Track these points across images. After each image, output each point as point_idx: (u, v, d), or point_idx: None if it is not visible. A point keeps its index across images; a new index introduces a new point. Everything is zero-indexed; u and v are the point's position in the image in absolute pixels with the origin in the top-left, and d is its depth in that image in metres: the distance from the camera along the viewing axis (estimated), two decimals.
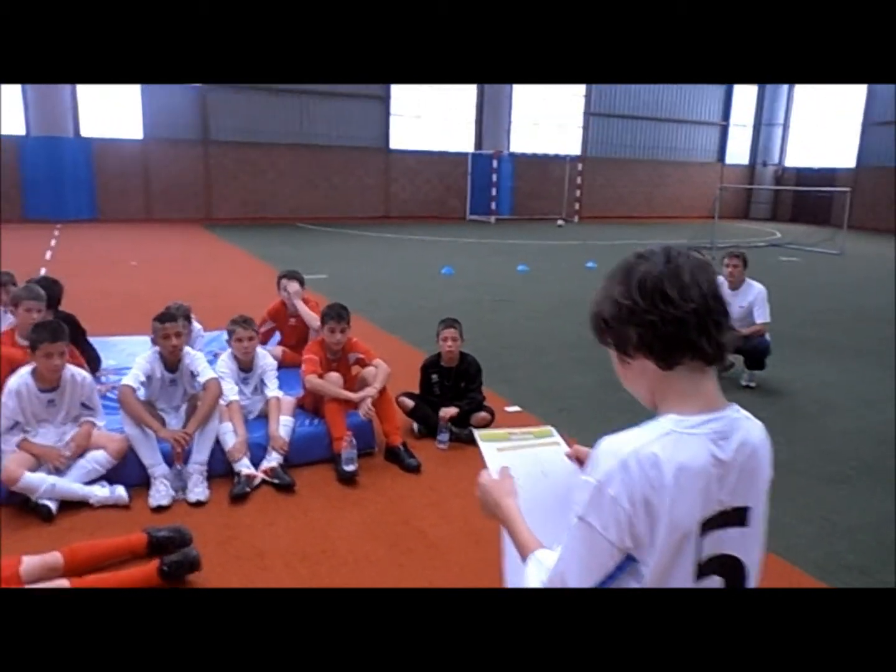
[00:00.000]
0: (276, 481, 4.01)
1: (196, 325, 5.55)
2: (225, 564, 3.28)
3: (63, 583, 2.87)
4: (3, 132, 20.11)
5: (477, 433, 1.58)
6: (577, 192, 26.78)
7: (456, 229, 21.92)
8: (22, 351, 4.05)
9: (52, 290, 5.09)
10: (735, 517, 1.20)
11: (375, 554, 3.44)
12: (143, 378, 4.02)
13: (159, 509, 3.71)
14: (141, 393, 4.06)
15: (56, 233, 17.36)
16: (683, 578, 1.17)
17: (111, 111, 21.51)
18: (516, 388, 6.02)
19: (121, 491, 3.75)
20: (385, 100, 25.26)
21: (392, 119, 25.68)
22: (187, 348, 4.22)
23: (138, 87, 21.42)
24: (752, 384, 6.20)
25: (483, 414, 4.90)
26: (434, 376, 5.01)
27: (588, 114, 29.06)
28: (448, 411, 4.74)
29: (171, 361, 4.14)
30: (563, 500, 1.25)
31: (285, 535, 3.57)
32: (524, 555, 1.32)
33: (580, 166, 26.74)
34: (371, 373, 4.62)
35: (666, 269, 1.17)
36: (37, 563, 2.95)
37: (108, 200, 21.47)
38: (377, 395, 4.45)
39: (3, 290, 5.20)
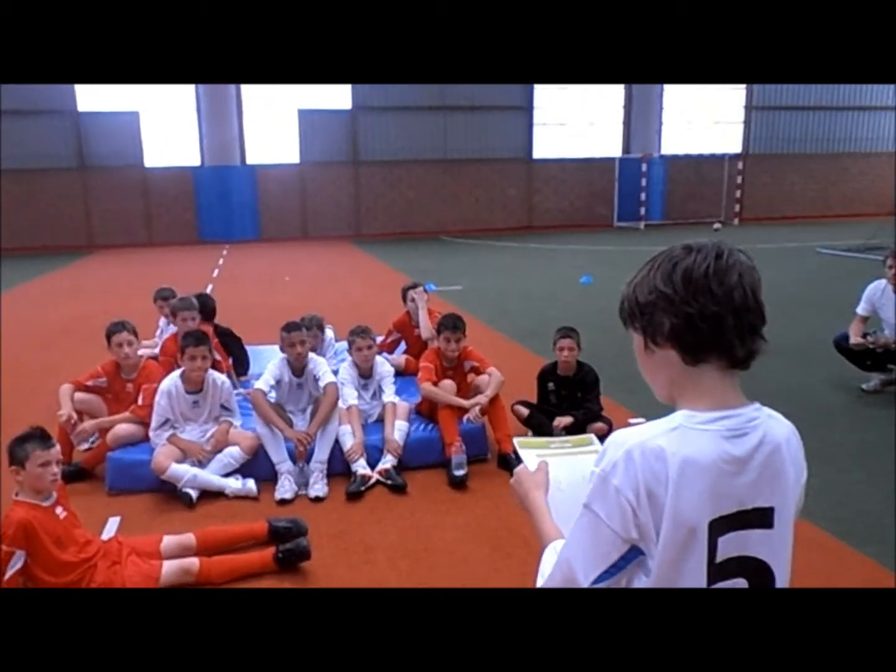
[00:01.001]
0: (389, 482, 4.24)
1: (329, 334, 5.97)
2: (335, 556, 3.54)
3: (194, 561, 3.26)
4: (182, 163, 22.58)
5: (516, 440, 1.61)
6: (738, 193, 25.17)
7: (602, 237, 21.48)
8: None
9: (207, 304, 5.73)
10: (757, 518, 1.17)
11: (475, 556, 3.54)
12: (272, 382, 4.43)
13: (283, 502, 4.07)
14: (272, 396, 4.47)
15: (224, 252, 19.25)
16: (695, 577, 1.15)
17: (272, 139, 23.47)
18: (641, 398, 5.83)
19: (251, 484, 4.16)
20: (528, 109, 25.37)
21: (535, 128, 25.73)
22: (311, 354, 4.58)
23: (295, 115, 23.19)
24: None
25: (600, 424, 4.81)
26: (550, 385, 5.01)
27: (749, 108, 27.16)
28: (563, 420, 4.73)
29: (298, 367, 4.52)
30: None
31: (392, 532, 3.78)
32: (544, 543, 1.34)
33: (740, 164, 25.10)
34: (485, 381, 4.75)
35: (715, 264, 1.15)
36: (174, 542, 3.38)
37: (270, 221, 23.42)
38: (488, 403, 4.56)
39: (166, 303, 5.94)
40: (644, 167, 23.94)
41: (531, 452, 1.54)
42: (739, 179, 24.99)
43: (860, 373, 5.85)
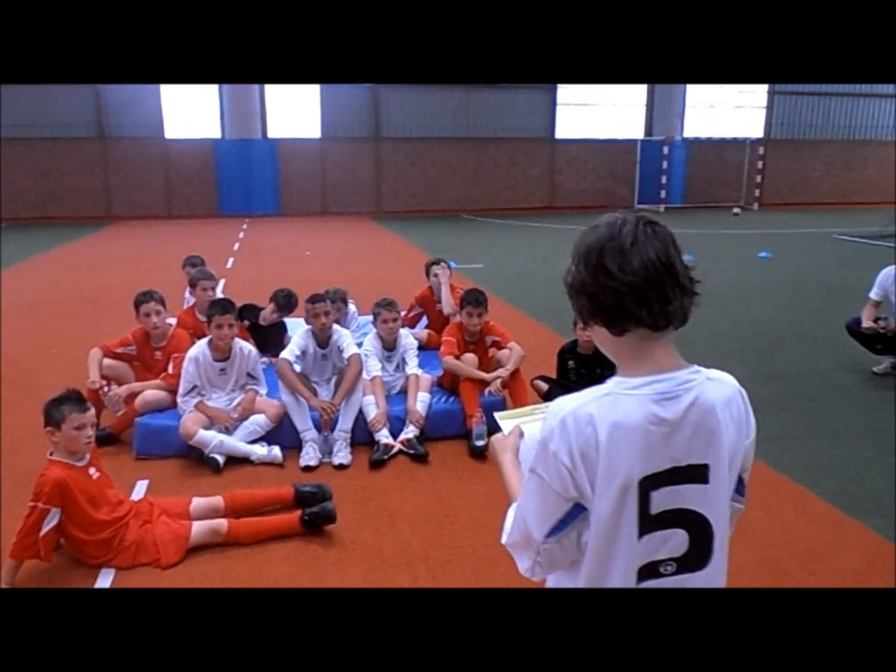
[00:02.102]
0: (411, 451, 4.32)
1: (352, 308, 6.02)
2: (359, 520, 3.63)
3: (222, 522, 3.35)
4: (203, 136, 22.60)
5: (496, 414, 1.65)
6: (758, 178, 24.90)
7: None
8: (201, 324, 4.68)
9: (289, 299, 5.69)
10: (693, 474, 1.24)
11: (495, 522, 3.52)
12: (298, 353, 4.50)
13: (307, 469, 4.16)
14: (297, 367, 4.54)
15: (244, 226, 19.30)
16: (629, 528, 1.23)
17: (293, 113, 23.38)
18: None
19: (276, 451, 4.25)
20: (551, 89, 25.13)
21: (558, 108, 25.51)
22: (336, 326, 4.64)
23: (317, 89, 23.13)
24: None
25: None
26: (570, 362, 5.04)
27: (772, 92, 26.81)
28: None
29: (322, 338, 4.59)
30: None
31: (414, 499, 3.87)
32: (510, 501, 1.42)
33: (762, 149, 24.81)
34: (506, 355, 4.81)
35: (609, 240, 1.20)
36: (203, 503, 3.47)
37: (290, 196, 23.41)
38: (509, 376, 4.62)
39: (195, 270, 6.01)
40: (666, 150, 23.70)
41: (510, 423, 1.58)
42: (760, 164, 24.73)
43: (871, 356, 5.92)
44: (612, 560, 1.27)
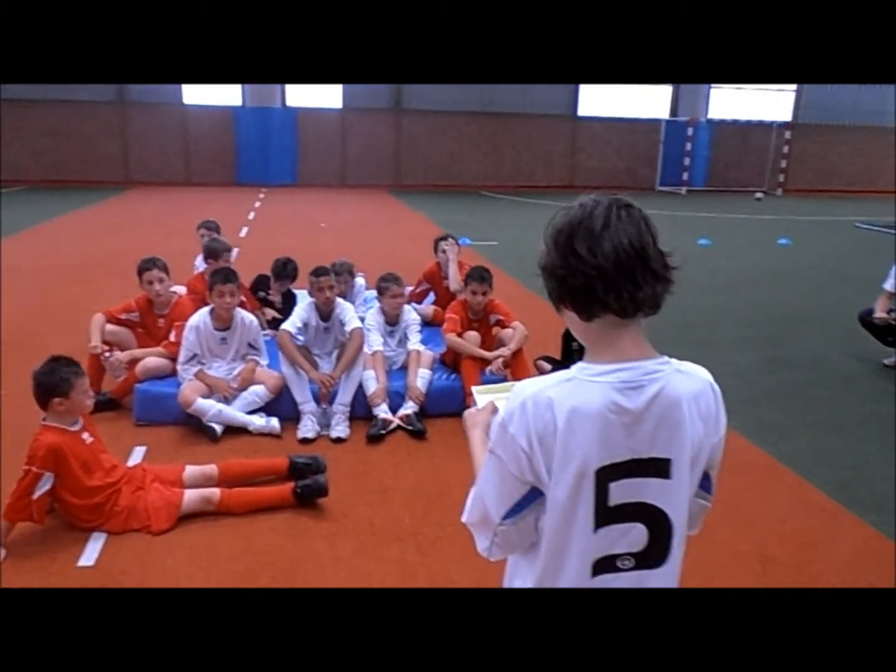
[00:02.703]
0: (409, 427, 4.31)
1: (359, 281, 5.98)
2: (352, 494, 3.63)
3: (215, 491, 3.36)
4: (222, 102, 22.49)
5: (474, 388, 1.63)
6: (783, 163, 24.38)
7: (643, 200, 19.52)
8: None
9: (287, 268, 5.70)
10: (654, 468, 1.21)
11: None
12: (300, 325, 4.48)
13: (305, 441, 4.16)
14: (300, 339, 4.53)
15: (261, 195, 19.26)
16: (585, 518, 1.21)
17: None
18: None
19: (275, 422, 4.25)
20: None
21: (581, 86, 25.06)
22: (339, 300, 4.62)
23: None
24: None
25: None
26: (574, 344, 5.01)
27: None
28: None
29: (325, 311, 4.56)
30: None
31: (410, 475, 3.87)
32: (475, 480, 1.39)
33: (788, 134, 24.28)
34: (509, 334, 4.77)
35: (580, 222, 1.17)
36: (196, 471, 3.49)
37: (308, 166, 23.30)
38: (511, 356, 4.59)
39: (209, 233, 6.02)
40: (690, 131, 23.30)
41: (485, 397, 1.55)
42: (786, 149, 24.16)
43: (882, 347, 5.85)
44: (567, 549, 1.25)
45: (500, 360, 4.56)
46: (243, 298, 4.96)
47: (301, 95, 23.19)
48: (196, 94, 22.65)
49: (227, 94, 22.71)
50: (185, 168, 22.82)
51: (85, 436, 3.15)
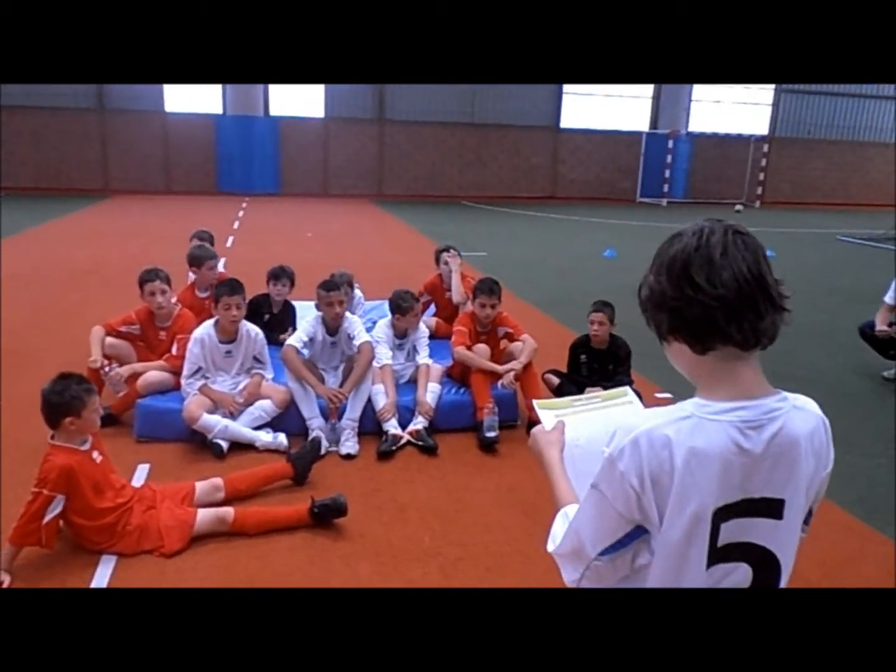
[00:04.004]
0: (420, 443, 4.22)
1: (357, 293, 5.89)
2: (367, 513, 3.52)
3: (229, 511, 3.24)
4: (203, 110, 22.26)
5: (535, 403, 1.57)
6: (761, 176, 24.86)
7: (624, 211, 21.30)
8: (200, 301, 4.55)
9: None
10: (765, 508, 1.16)
11: (507, 519, 3.53)
12: (305, 339, 4.37)
13: None
14: (305, 353, 4.43)
15: (244, 204, 19.07)
16: (697, 561, 1.17)
17: (297, 91, 23.05)
18: (669, 374, 5.76)
19: (282, 438, 4.14)
20: None
21: (564, 97, 25.26)
22: (346, 313, 4.52)
23: None
24: None
25: None
26: (582, 357, 4.96)
27: (779, 90, 26.72)
28: (593, 391, 4.69)
29: (333, 326, 4.46)
30: None
31: (423, 492, 3.77)
32: (557, 506, 1.36)
33: (766, 147, 24.75)
34: (518, 347, 4.70)
35: (696, 250, 1.12)
36: (206, 486, 3.38)
37: (290, 175, 23.17)
38: (521, 369, 4.52)
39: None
40: (670, 144, 23.60)
41: (549, 413, 1.52)
42: (764, 162, 24.68)
43: (880, 360, 5.87)
44: (676, 587, 1.19)
45: (512, 373, 4.49)
46: None
47: (283, 104, 23.06)
48: (177, 102, 22.41)
49: (209, 103, 22.51)
50: (166, 176, 22.54)
51: (95, 455, 3.02)
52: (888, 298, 5.79)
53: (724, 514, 1.14)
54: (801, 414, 1.18)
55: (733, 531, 1.16)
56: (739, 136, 25.54)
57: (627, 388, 1.59)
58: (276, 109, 23.05)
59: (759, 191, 25.08)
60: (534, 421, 4.49)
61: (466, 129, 24.52)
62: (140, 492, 3.21)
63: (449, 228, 15.08)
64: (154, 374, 4.28)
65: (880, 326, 5.63)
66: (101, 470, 3.02)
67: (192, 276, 6.06)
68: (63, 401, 2.85)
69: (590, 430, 1.46)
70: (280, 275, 5.46)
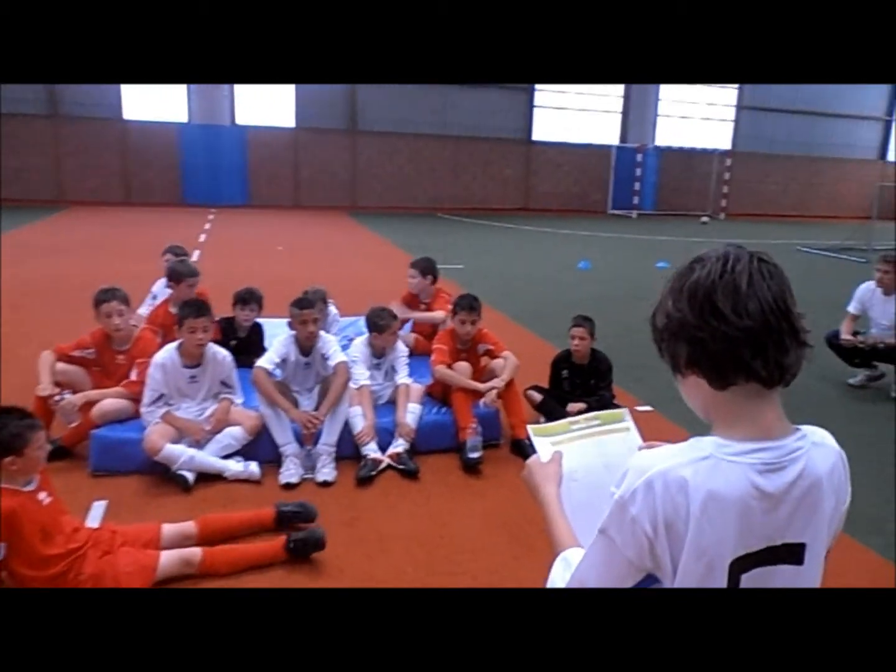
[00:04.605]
0: (401, 467, 4.01)
1: (332, 310, 5.65)
2: (347, 545, 3.29)
3: (196, 551, 2.98)
4: (168, 119, 21.72)
5: (530, 428, 1.46)
6: (725, 189, 25.43)
7: (596, 223, 21.43)
8: (174, 319, 4.29)
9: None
10: (787, 554, 1.09)
11: (494, 546, 3.36)
12: (277, 360, 4.12)
13: (288, 486, 3.80)
14: (277, 374, 4.18)
15: (211, 216, 18.65)
16: None
17: (265, 99, 22.66)
18: (648, 387, 5.71)
19: (254, 467, 3.87)
20: (529, 91, 25.02)
21: (535, 111, 25.40)
22: (321, 332, 4.29)
23: None
24: None
25: None
26: (564, 372, 4.85)
27: (740, 107, 27.55)
28: (576, 407, 4.58)
29: (306, 346, 4.22)
30: None
31: (406, 519, 3.56)
32: (555, 549, 1.27)
33: (729, 161, 25.33)
34: (500, 364, 4.54)
35: (721, 277, 1.05)
36: (173, 530, 3.09)
37: (259, 187, 22.77)
38: (504, 387, 4.35)
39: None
40: (639, 157, 23.90)
41: (545, 441, 1.42)
42: (727, 176, 25.29)
43: (845, 367, 6.03)
44: None
45: (494, 392, 4.31)
46: None
47: (251, 113, 22.68)
48: (137, 110, 21.79)
49: (172, 110, 21.99)
50: (125, 187, 21.89)
51: (42, 496, 2.71)
52: (851, 308, 6.00)
53: (745, 563, 1.06)
54: (821, 451, 1.11)
55: (754, 581, 1.08)
56: (704, 150, 26.07)
57: (625, 411, 1.49)
58: (243, 118, 22.63)
59: (724, 203, 25.52)
60: (518, 440, 4.34)
61: (439, 141, 24.43)
62: (96, 534, 2.91)
63: (424, 241, 14.90)
64: (110, 401, 3.97)
65: (845, 335, 5.82)
66: (48, 512, 2.71)
67: (154, 293, 5.81)
68: (2, 439, 2.55)
69: (587, 462, 1.40)
70: (248, 299, 5.18)
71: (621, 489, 1.06)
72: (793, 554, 1.09)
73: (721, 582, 1.06)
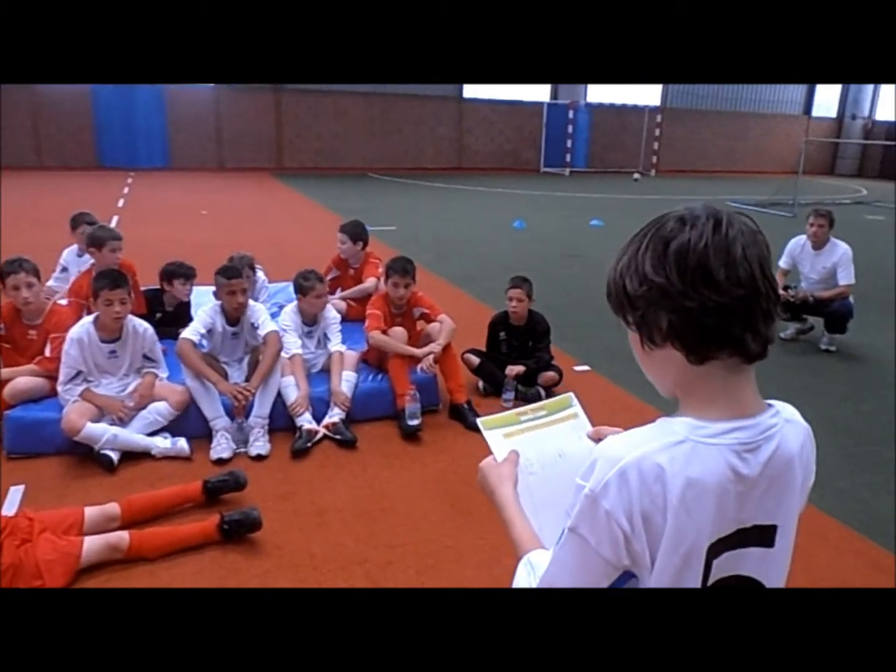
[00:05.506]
0: (337, 437, 3.92)
1: (260, 276, 5.45)
2: (283, 520, 3.20)
3: (122, 535, 2.84)
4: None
5: (479, 421, 1.37)
6: (655, 145, 25.74)
7: (529, 181, 21.40)
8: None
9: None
10: (757, 536, 1.03)
11: (435, 514, 3.33)
12: (203, 331, 3.94)
13: (220, 462, 3.66)
14: (203, 345, 4.00)
15: (129, 180, 17.72)
16: None
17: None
18: (585, 346, 5.77)
19: (182, 443, 3.71)
20: None
21: None
22: (249, 301, 4.11)
23: None
24: (832, 348, 5.96)
25: (550, 373, 4.70)
26: (502, 334, 4.83)
27: None
28: (514, 369, 4.57)
29: (234, 316, 4.05)
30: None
31: (344, 491, 3.49)
32: (518, 553, 1.17)
33: (659, 117, 25.59)
34: (436, 328, 4.47)
35: (714, 241, 0.94)
36: (96, 513, 2.94)
37: (180, 148, 21.73)
38: (441, 352, 4.28)
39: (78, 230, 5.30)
40: (571, 114, 23.88)
41: (497, 433, 1.34)
42: (657, 132, 25.57)
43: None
44: None
45: (431, 356, 4.24)
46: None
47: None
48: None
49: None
50: (36, 150, 20.55)
51: None
52: (782, 263, 6.08)
53: (717, 549, 1.00)
54: (792, 428, 1.04)
55: (723, 566, 1.01)
56: (635, 106, 26.20)
57: (571, 396, 1.42)
58: None
59: (655, 160, 25.87)
60: (456, 405, 4.31)
61: (368, 99, 23.76)
62: (13, 522, 2.74)
63: (355, 203, 14.57)
64: (24, 380, 3.72)
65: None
66: None
67: (65, 261, 5.48)
68: None
69: (541, 454, 1.32)
70: (190, 275, 4.94)
71: (591, 482, 0.96)
72: (763, 536, 1.04)
73: (698, 571, 1.00)
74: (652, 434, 0.97)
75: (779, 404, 1.05)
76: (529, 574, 1.12)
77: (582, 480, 0.98)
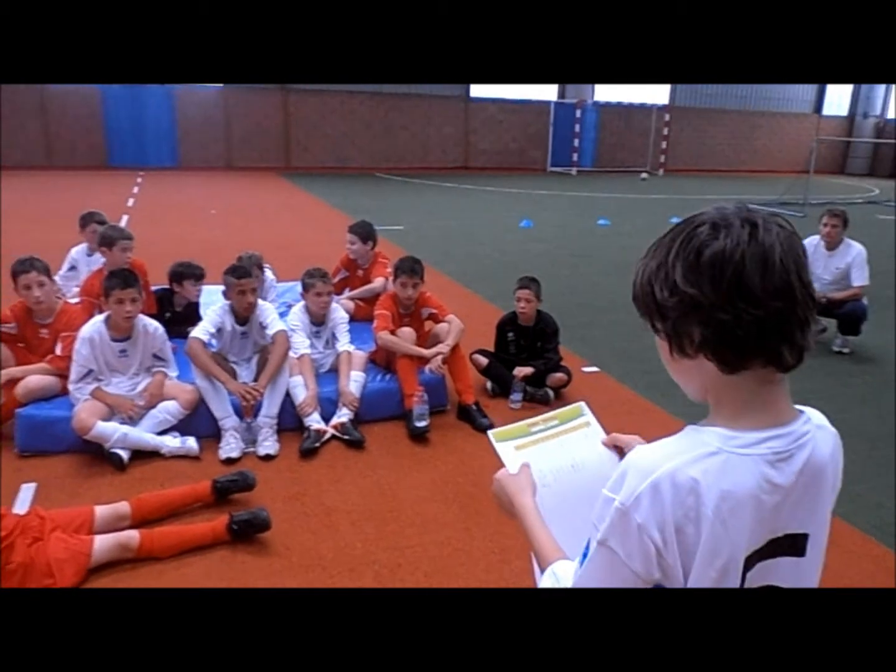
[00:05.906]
0: (345, 437, 3.92)
1: (269, 276, 5.47)
2: (292, 521, 3.21)
3: (132, 535, 2.85)
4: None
5: (491, 433, 1.36)
6: (663, 144, 25.57)
7: (536, 181, 21.35)
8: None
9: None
10: (789, 545, 1.01)
11: (444, 516, 3.32)
12: (212, 330, 3.95)
13: (229, 461, 3.67)
14: (213, 345, 4.01)
15: (139, 180, 17.79)
16: None
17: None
18: (594, 347, 5.75)
19: (192, 442, 3.73)
20: None
21: None
22: (259, 301, 4.12)
23: None
24: (846, 350, 5.87)
25: (559, 374, 4.68)
26: (510, 334, 4.82)
27: None
28: (523, 370, 4.55)
29: (243, 315, 4.06)
30: (596, 496, 1.03)
31: (353, 492, 3.49)
32: (541, 565, 1.16)
33: (667, 116, 25.43)
34: (444, 329, 4.46)
35: (749, 249, 0.89)
36: (107, 512, 2.95)
37: (189, 148, 21.82)
38: (449, 352, 4.28)
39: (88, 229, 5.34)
40: (578, 113, 23.83)
41: (509, 445, 1.33)
42: (665, 131, 25.41)
43: None
44: None
45: (440, 357, 4.23)
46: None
47: None
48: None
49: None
50: (46, 150, 20.66)
51: None
52: None
53: (752, 560, 0.98)
54: (823, 434, 1.02)
55: (756, 577, 0.99)
56: (643, 105, 26.08)
57: (583, 405, 1.41)
58: None
59: (662, 159, 25.76)
60: (465, 405, 4.30)
61: (375, 99, 23.78)
62: (24, 521, 2.75)
63: (363, 202, 14.59)
64: (35, 378, 3.75)
65: None
66: None
67: (74, 258, 5.53)
68: None
69: (554, 465, 1.31)
70: (200, 276, 4.96)
71: (621, 495, 0.94)
72: (795, 545, 1.02)
73: (735, 584, 0.98)
74: (684, 445, 0.95)
75: (808, 410, 1.03)
76: (555, 585, 1.10)
77: (611, 493, 0.96)
